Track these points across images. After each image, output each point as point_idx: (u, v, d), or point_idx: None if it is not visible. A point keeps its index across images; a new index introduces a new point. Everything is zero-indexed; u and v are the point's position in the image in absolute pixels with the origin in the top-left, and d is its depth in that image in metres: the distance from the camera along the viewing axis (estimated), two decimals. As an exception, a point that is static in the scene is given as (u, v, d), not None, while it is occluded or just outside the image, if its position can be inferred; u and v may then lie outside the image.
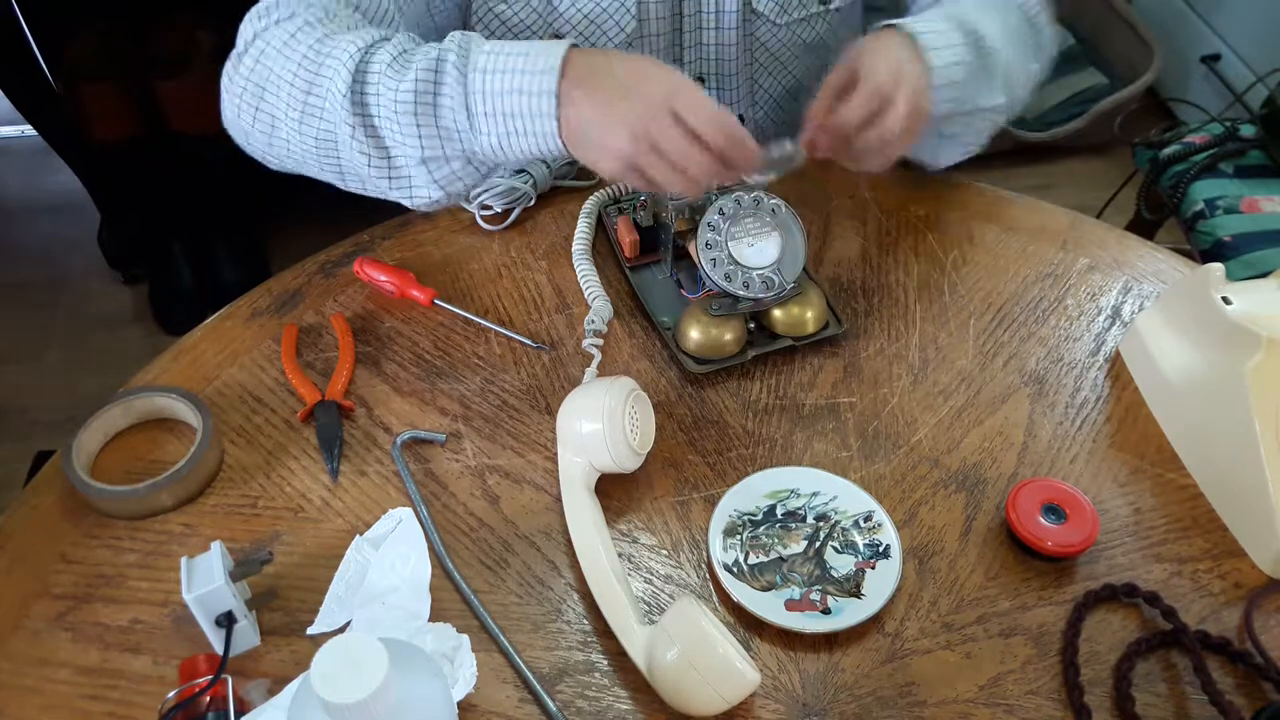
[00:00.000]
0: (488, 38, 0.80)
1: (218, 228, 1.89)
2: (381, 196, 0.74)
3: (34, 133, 1.81)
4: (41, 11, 1.63)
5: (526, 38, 0.86)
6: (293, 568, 0.66)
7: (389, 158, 0.70)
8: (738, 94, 0.95)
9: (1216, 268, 0.73)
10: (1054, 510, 0.67)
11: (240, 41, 0.76)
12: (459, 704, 0.58)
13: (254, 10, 0.77)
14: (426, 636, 0.61)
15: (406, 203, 0.73)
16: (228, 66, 0.76)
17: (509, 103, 0.66)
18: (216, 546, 0.60)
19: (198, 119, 1.72)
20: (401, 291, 0.83)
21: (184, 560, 0.59)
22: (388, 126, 0.68)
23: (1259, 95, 1.51)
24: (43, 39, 1.66)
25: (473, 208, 0.90)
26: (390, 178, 0.71)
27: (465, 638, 0.61)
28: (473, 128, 0.68)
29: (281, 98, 0.72)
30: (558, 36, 0.86)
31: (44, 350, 1.84)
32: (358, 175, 0.72)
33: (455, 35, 0.68)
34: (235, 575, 0.59)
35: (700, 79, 0.93)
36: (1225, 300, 0.72)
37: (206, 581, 0.58)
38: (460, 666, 0.59)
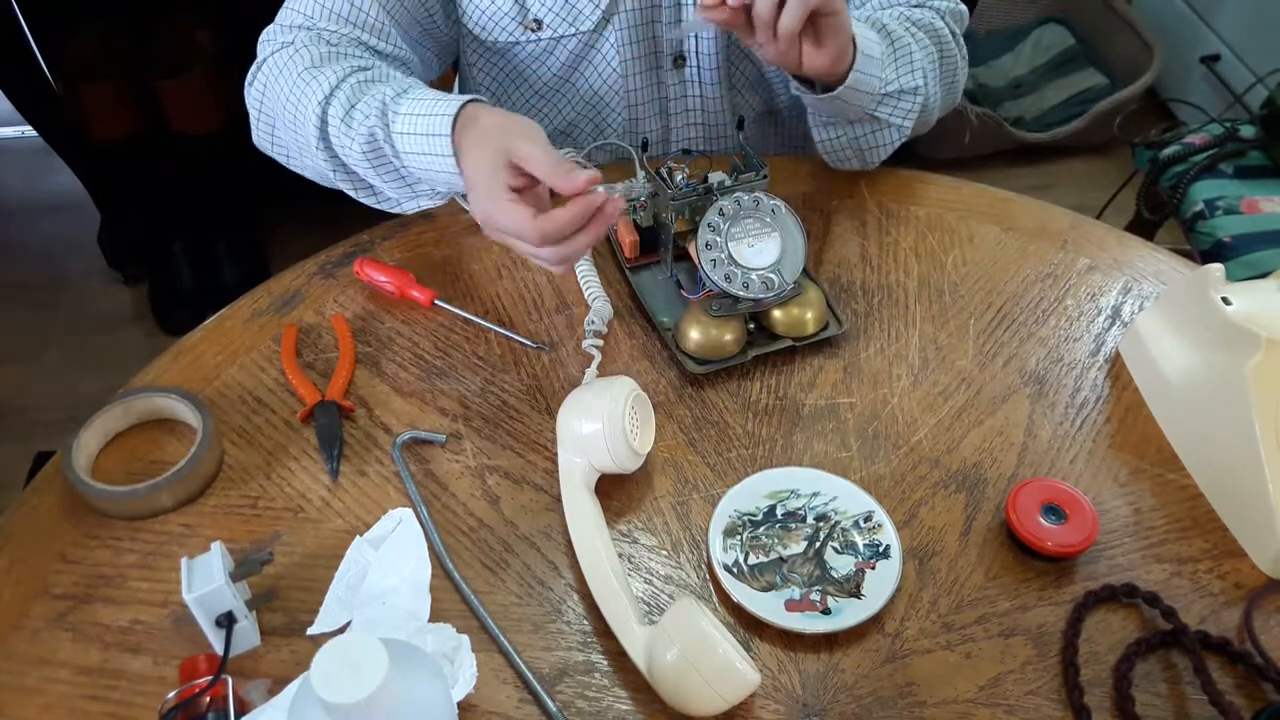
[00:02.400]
0: (471, 27, 0.90)
1: (218, 228, 1.89)
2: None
3: (34, 133, 1.81)
4: (41, 11, 1.63)
5: (504, 24, 0.90)
6: (293, 568, 0.66)
7: (373, 190, 0.83)
8: (717, 74, 0.95)
9: (1216, 268, 0.73)
10: (1054, 510, 0.67)
11: (256, 61, 0.85)
12: (459, 704, 0.58)
13: (267, 30, 0.86)
14: (426, 636, 0.61)
15: (399, 212, 0.85)
16: (246, 86, 0.86)
17: (436, 176, 0.75)
18: (216, 547, 0.60)
19: (198, 118, 1.72)
20: (401, 292, 0.83)
21: (184, 561, 0.59)
22: (364, 172, 0.80)
23: (1259, 96, 1.51)
24: (43, 39, 1.66)
25: (473, 208, 0.90)
26: (379, 200, 0.83)
27: (465, 638, 0.61)
28: (412, 181, 0.80)
29: (286, 134, 0.84)
30: (537, 20, 0.90)
31: (44, 350, 1.84)
32: (354, 195, 0.84)
33: (374, 105, 0.76)
34: (235, 576, 0.59)
35: (681, 58, 0.94)
36: (1225, 301, 0.72)
37: (207, 582, 0.58)
38: (460, 666, 0.59)
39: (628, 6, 0.89)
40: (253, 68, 0.85)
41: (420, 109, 0.73)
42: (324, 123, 0.78)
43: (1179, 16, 2.18)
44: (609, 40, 0.91)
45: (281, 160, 0.87)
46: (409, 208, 0.83)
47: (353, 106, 0.77)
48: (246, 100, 0.86)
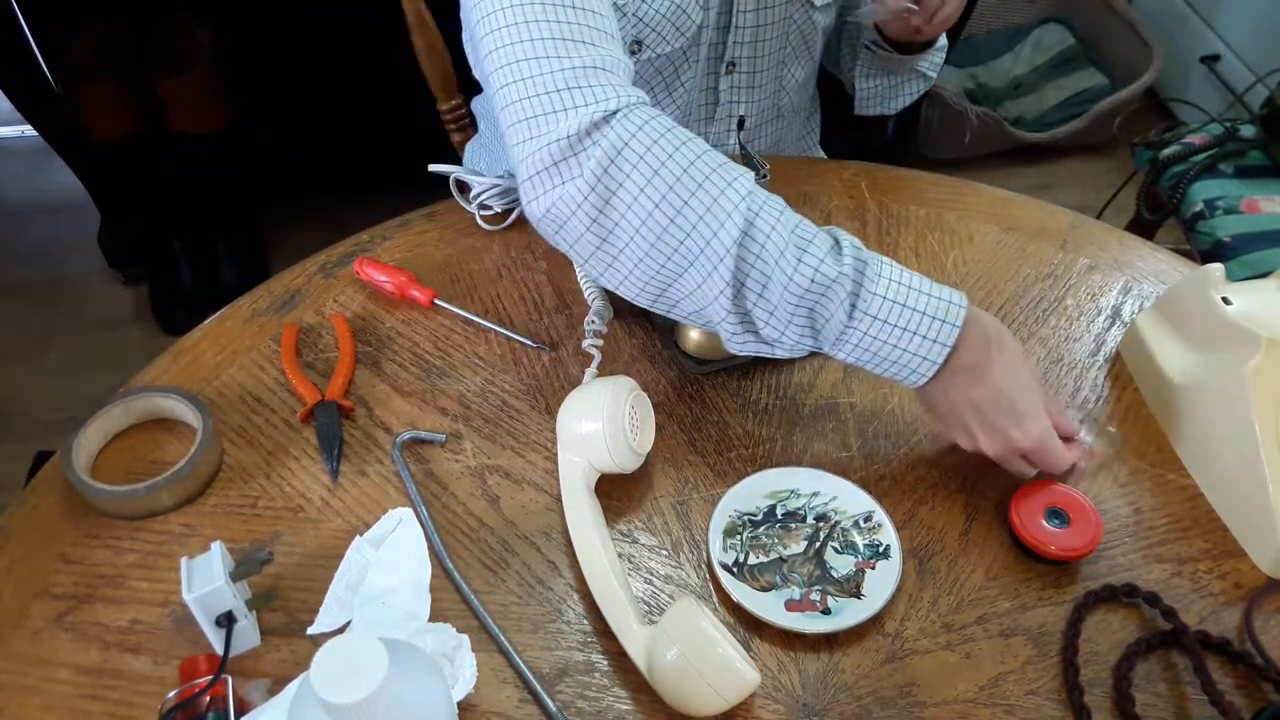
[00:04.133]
0: None
1: (218, 228, 1.89)
2: (697, 322, 0.69)
3: (34, 133, 1.81)
4: (41, 11, 1.63)
5: None
6: (293, 568, 0.66)
7: (749, 323, 0.66)
8: (767, 76, 0.95)
9: (1216, 268, 0.73)
10: (1057, 514, 0.67)
11: (579, 117, 0.63)
12: (459, 704, 0.58)
13: (586, 73, 0.64)
14: (426, 637, 0.61)
15: (730, 345, 0.68)
16: (576, 153, 0.63)
17: (888, 352, 0.65)
18: (216, 547, 0.60)
19: (198, 118, 1.72)
20: (401, 292, 0.83)
21: (184, 560, 0.59)
22: (766, 317, 0.65)
23: (1259, 96, 1.51)
24: (42, 39, 1.66)
25: (473, 208, 0.90)
26: (744, 340, 0.67)
27: (465, 638, 0.61)
28: (838, 345, 0.66)
29: (636, 215, 0.63)
30: (638, 42, 0.86)
31: (44, 350, 1.84)
32: (700, 315, 0.67)
33: (849, 250, 0.64)
34: (235, 575, 0.59)
35: (732, 64, 0.93)
36: (1225, 301, 0.72)
37: (207, 582, 0.58)
38: (460, 666, 0.59)
39: (710, 22, 0.88)
40: (575, 127, 0.62)
41: (908, 280, 0.64)
42: (752, 226, 0.62)
43: (1179, 16, 2.18)
44: (689, 56, 0.90)
45: (582, 257, 0.66)
46: (796, 350, 0.67)
47: (797, 229, 0.64)
48: (576, 168, 0.63)
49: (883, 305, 0.64)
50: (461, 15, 0.78)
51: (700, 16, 0.87)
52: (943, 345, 0.65)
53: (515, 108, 0.65)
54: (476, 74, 0.91)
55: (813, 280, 0.63)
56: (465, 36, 0.92)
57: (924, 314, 0.64)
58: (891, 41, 0.94)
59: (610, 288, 0.69)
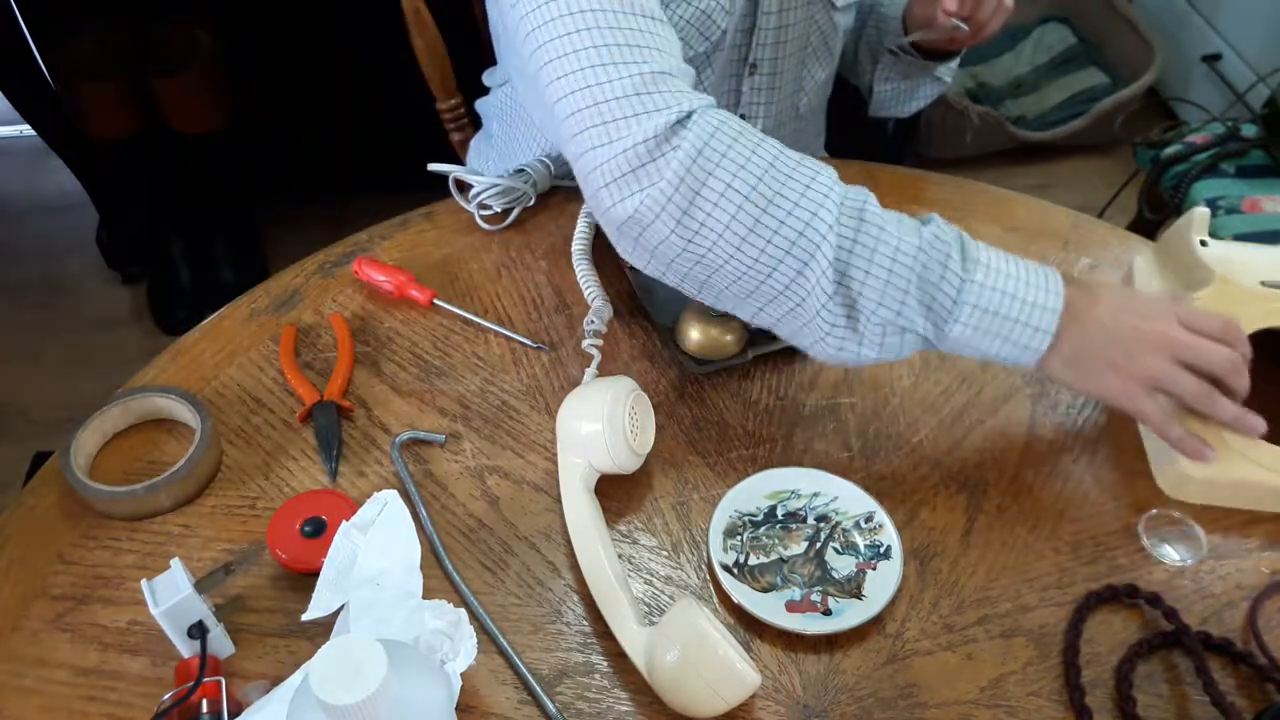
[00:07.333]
0: None
1: (216, 227, 1.89)
2: (786, 328, 0.66)
3: (32, 132, 1.81)
4: (40, 11, 1.63)
5: None
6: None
7: (851, 311, 0.63)
8: (787, 77, 0.95)
9: (1202, 211, 0.78)
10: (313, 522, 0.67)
11: (654, 121, 0.62)
12: (461, 687, 0.58)
13: (654, 78, 0.64)
14: (425, 613, 0.60)
15: (819, 349, 0.66)
16: (660, 152, 0.62)
17: (1004, 303, 0.63)
18: (176, 563, 0.59)
19: (197, 117, 1.72)
20: (400, 291, 0.82)
21: (144, 582, 0.58)
22: (869, 276, 0.62)
23: (1260, 95, 1.51)
24: (41, 38, 1.66)
25: (472, 208, 0.89)
26: (841, 338, 0.64)
27: (462, 611, 0.60)
28: (953, 314, 0.63)
29: (725, 210, 0.62)
30: None
31: (43, 350, 1.84)
32: (793, 315, 0.65)
33: (943, 228, 0.64)
34: (198, 588, 0.59)
35: (754, 66, 0.93)
36: (1203, 243, 0.76)
37: (173, 594, 0.57)
38: (460, 640, 0.59)
39: (734, 25, 0.88)
40: (661, 124, 0.62)
41: (999, 259, 0.64)
42: (855, 204, 0.63)
43: (1180, 15, 2.18)
44: (711, 60, 0.89)
45: (666, 260, 0.65)
46: (850, 353, 0.65)
47: (903, 216, 0.64)
48: (657, 172, 0.62)
49: (991, 262, 0.62)
50: (494, 16, 0.76)
51: (725, 21, 0.86)
52: (1053, 311, 0.62)
53: (581, 115, 0.64)
54: (523, 85, 0.89)
55: (923, 240, 0.62)
56: (501, 34, 0.90)
57: (1027, 272, 0.62)
58: (919, 48, 0.94)
59: (694, 294, 0.68)
